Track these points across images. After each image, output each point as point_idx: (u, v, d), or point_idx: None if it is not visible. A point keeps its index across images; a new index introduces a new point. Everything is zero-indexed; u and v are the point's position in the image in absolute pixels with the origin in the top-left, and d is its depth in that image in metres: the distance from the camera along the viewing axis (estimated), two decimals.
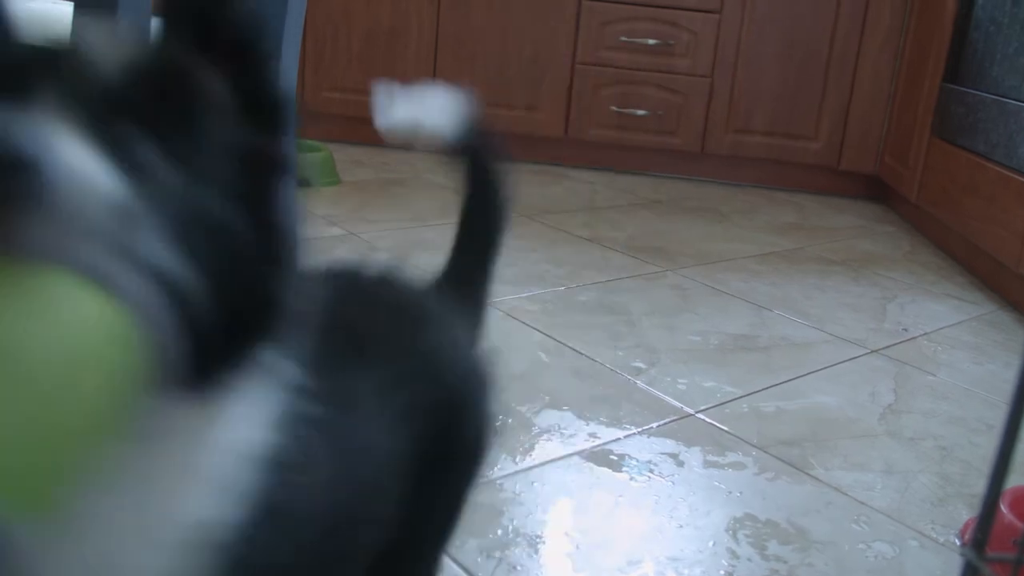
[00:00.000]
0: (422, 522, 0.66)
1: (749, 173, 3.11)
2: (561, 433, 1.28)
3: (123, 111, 0.38)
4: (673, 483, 1.17)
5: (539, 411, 1.34)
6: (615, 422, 1.32)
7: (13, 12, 0.68)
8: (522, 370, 1.47)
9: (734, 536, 1.07)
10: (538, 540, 1.03)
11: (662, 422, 1.34)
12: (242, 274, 0.40)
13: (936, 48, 2.55)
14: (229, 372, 0.41)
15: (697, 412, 1.38)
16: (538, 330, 1.65)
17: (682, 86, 3.01)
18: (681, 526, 1.08)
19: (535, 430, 1.28)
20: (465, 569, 0.96)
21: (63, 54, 0.39)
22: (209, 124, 0.40)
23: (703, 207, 2.77)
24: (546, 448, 1.23)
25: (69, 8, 1.18)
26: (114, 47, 0.40)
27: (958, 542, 1.09)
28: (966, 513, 1.16)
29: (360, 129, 3.26)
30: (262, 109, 0.43)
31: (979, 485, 0.96)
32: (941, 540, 1.10)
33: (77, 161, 0.34)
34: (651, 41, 2.97)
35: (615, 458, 1.22)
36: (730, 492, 1.16)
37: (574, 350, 1.57)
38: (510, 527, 1.04)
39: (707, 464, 1.23)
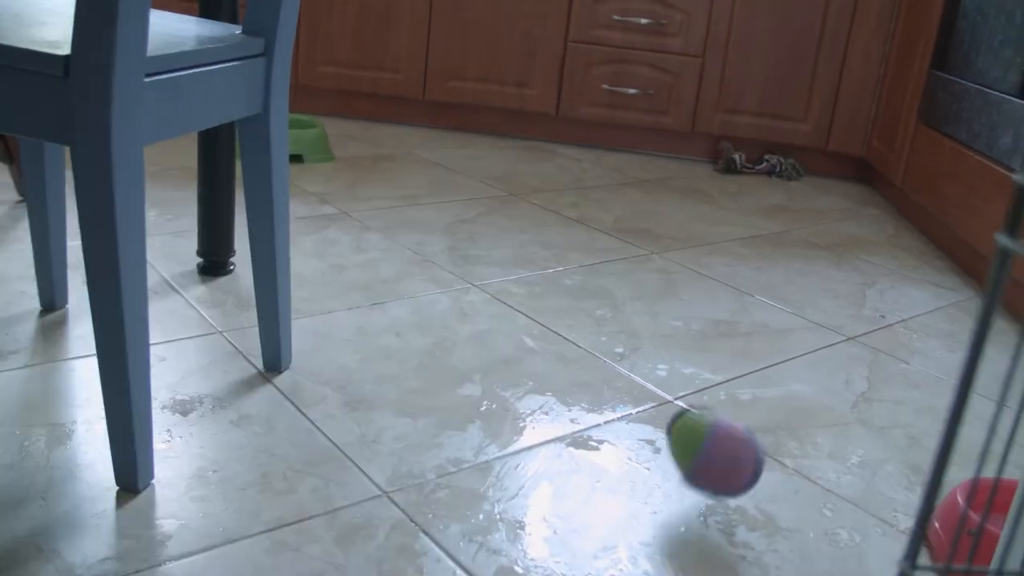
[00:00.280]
0: None
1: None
2: (544, 418, 1.32)
3: None
4: (649, 469, 1.22)
5: (523, 396, 1.38)
6: (596, 408, 1.37)
7: None
8: (507, 355, 1.51)
9: (705, 523, 1.12)
10: (518, 525, 1.08)
11: (641, 408, 1.39)
12: None
13: (925, 34, 2.57)
14: None
15: (676, 399, 1.43)
16: (524, 314, 1.69)
17: (673, 66, 3.03)
18: (655, 512, 1.13)
19: (519, 415, 1.33)
20: (447, 553, 1.01)
21: None
22: None
23: (691, 187, 2.81)
24: (529, 433, 1.28)
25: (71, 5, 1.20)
26: None
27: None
28: None
29: (353, 103, 3.28)
30: None
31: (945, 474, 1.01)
32: (903, 528, 1.15)
33: None
34: (644, 20, 2.99)
35: (595, 444, 1.27)
36: None
37: (559, 335, 1.62)
38: (492, 512, 1.09)
39: None
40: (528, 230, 2.20)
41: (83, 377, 1.31)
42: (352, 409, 1.30)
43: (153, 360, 1.38)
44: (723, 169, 3.07)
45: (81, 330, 1.45)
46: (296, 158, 2.60)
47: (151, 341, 1.43)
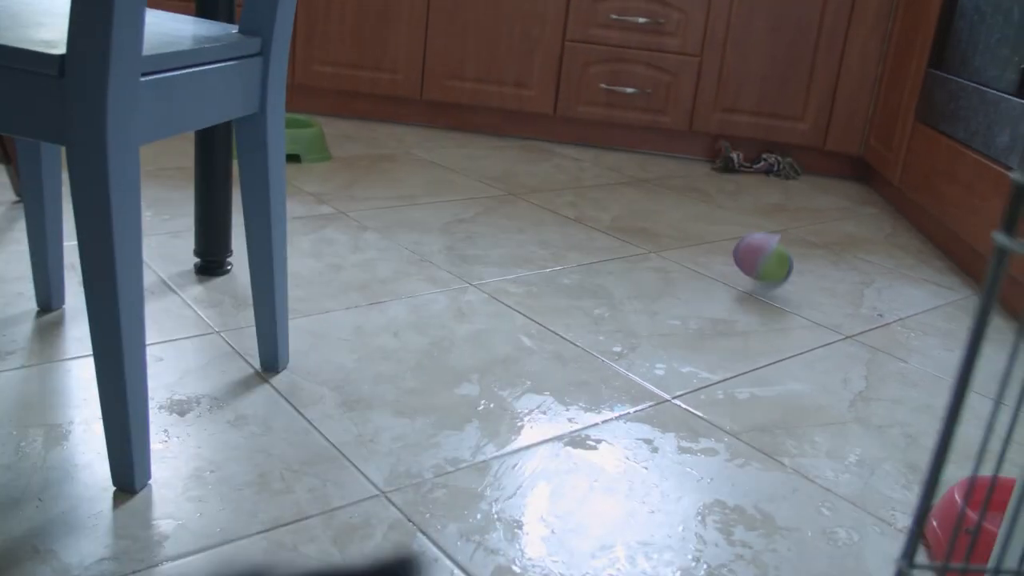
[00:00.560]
0: None
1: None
2: (541, 418, 1.32)
3: None
4: (647, 468, 1.22)
5: (520, 396, 1.38)
6: (594, 407, 1.37)
7: None
8: (505, 354, 1.51)
9: (703, 522, 1.12)
10: (516, 525, 1.07)
11: (639, 408, 1.39)
12: None
13: (923, 33, 2.57)
14: None
15: (673, 398, 1.43)
16: (521, 313, 1.69)
17: (671, 65, 3.03)
18: (652, 512, 1.13)
19: (517, 415, 1.32)
20: (444, 552, 1.01)
21: None
22: None
23: (689, 186, 2.81)
24: (526, 433, 1.28)
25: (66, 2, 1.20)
26: None
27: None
28: None
29: (351, 103, 3.28)
30: None
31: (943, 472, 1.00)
32: (901, 526, 1.15)
33: None
34: (641, 19, 2.99)
35: (592, 443, 1.27)
36: (701, 478, 1.21)
37: (556, 334, 1.61)
38: (490, 511, 1.09)
39: (680, 450, 1.28)
40: (526, 229, 2.20)
41: (80, 377, 1.31)
42: (349, 409, 1.30)
43: (150, 360, 1.38)
44: (721, 168, 3.07)
45: (78, 331, 1.45)
46: (293, 158, 2.60)
47: (148, 341, 1.43)
